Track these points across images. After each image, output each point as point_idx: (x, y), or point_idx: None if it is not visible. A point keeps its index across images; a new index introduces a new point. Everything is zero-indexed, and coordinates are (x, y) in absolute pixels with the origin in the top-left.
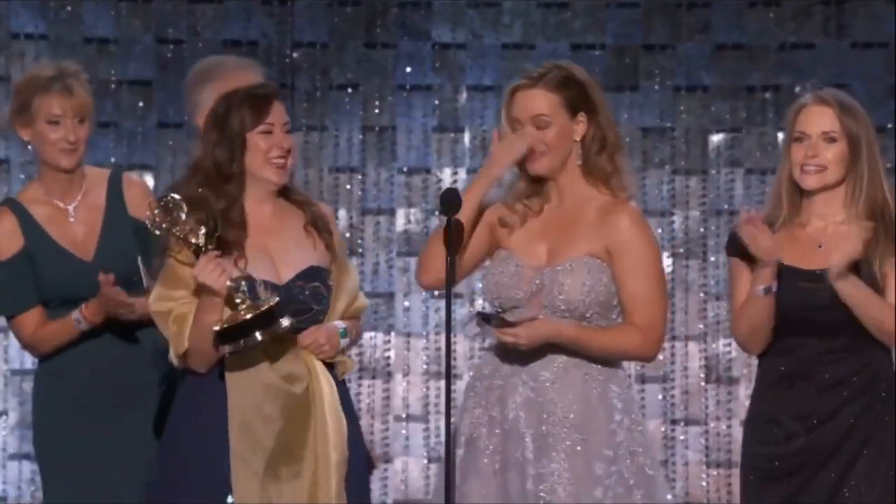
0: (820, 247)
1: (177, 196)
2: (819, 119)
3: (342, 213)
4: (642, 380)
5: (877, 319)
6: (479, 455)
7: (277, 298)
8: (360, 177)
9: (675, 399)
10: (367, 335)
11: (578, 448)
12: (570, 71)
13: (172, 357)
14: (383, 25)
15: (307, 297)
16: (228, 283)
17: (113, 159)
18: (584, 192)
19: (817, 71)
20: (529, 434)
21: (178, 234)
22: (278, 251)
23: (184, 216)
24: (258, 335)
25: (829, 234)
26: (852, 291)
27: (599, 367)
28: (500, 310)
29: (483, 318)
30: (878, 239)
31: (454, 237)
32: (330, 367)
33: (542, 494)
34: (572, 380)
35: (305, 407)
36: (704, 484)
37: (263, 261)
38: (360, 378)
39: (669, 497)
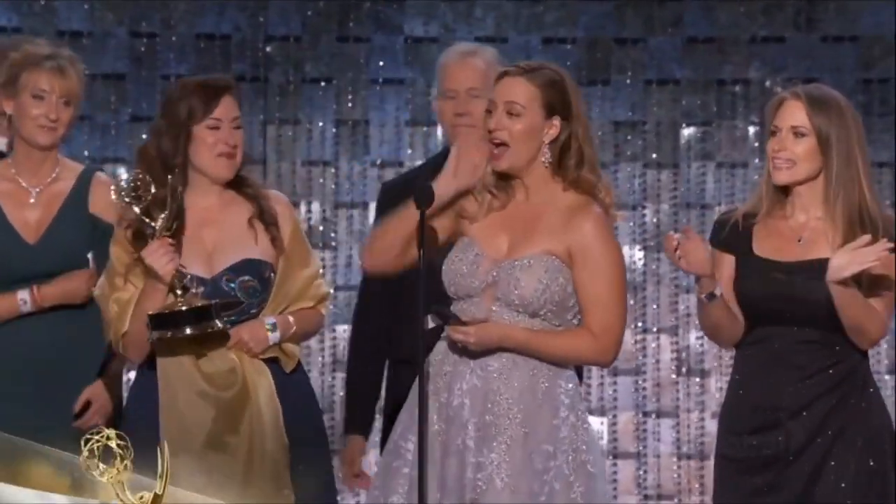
0: (799, 240)
1: (148, 177)
2: (789, 113)
3: (315, 207)
4: (615, 372)
5: (858, 320)
6: (429, 440)
7: (217, 300)
8: (333, 170)
9: (646, 391)
10: (339, 328)
11: (519, 440)
12: (560, 76)
13: (112, 340)
14: (356, 19)
15: (235, 289)
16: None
17: (86, 152)
18: (553, 192)
19: (788, 64)
20: (472, 422)
21: (139, 211)
22: (214, 243)
23: (149, 197)
24: (188, 329)
25: (810, 229)
26: (842, 289)
27: (548, 363)
28: (455, 298)
29: (439, 314)
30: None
31: (419, 232)
32: (275, 360)
33: (479, 484)
34: (520, 372)
35: (238, 408)
36: (676, 476)
37: (198, 252)
38: (334, 371)
39: (610, 496)
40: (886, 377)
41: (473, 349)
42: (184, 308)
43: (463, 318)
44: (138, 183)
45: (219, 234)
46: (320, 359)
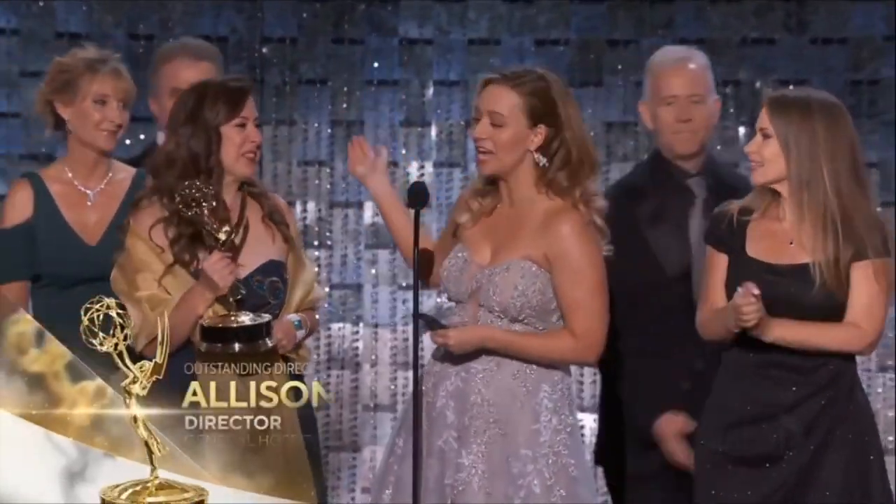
0: (791, 243)
1: (210, 187)
2: (761, 116)
3: (311, 206)
4: None
5: (829, 349)
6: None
7: (269, 317)
8: (328, 170)
9: None
10: (335, 326)
11: (497, 442)
12: (547, 82)
13: (139, 336)
14: (351, 21)
15: (265, 291)
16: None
17: None
18: (533, 197)
19: (778, 66)
20: (454, 424)
21: (206, 222)
22: (240, 244)
23: (213, 206)
24: (237, 346)
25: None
26: (789, 338)
27: (533, 366)
28: (450, 301)
29: (426, 320)
30: (828, 247)
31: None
32: (287, 359)
33: (457, 485)
34: (502, 375)
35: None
36: None
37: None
38: (329, 368)
39: (597, 499)
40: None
41: (454, 351)
42: (236, 325)
43: (446, 325)
44: (197, 192)
45: (242, 235)
46: (316, 356)
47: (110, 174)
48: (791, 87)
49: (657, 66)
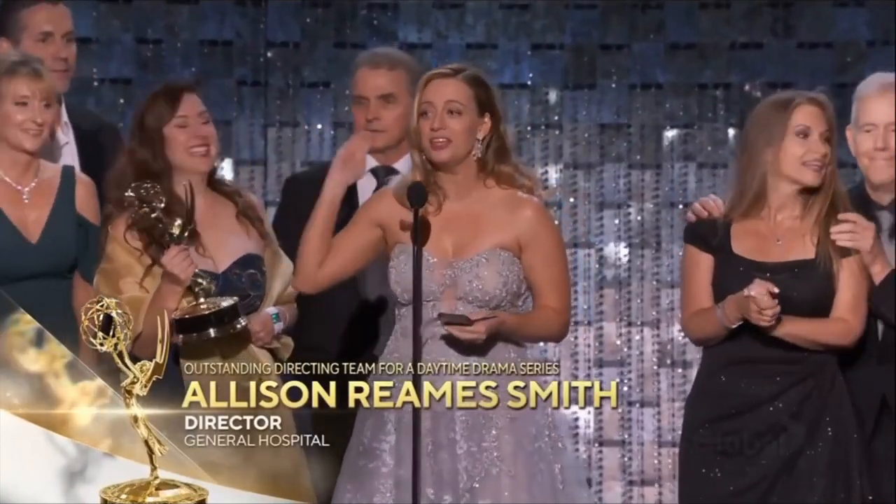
0: (778, 241)
1: (157, 186)
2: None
3: None
4: (600, 364)
5: (823, 343)
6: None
7: (237, 298)
8: None
9: (631, 382)
10: None
11: (507, 427)
12: (483, 75)
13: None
14: (352, 26)
15: (244, 283)
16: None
17: None
18: (482, 188)
19: (766, 69)
20: (462, 418)
21: (156, 219)
22: (213, 241)
23: (161, 205)
24: (212, 331)
25: (786, 229)
26: (795, 332)
27: (512, 351)
28: (406, 303)
29: (446, 319)
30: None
31: (413, 229)
32: (272, 351)
33: (474, 475)
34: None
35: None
36: (657, 462)
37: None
38: None
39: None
40: None
41: (479, 342)
42: (207, 311)
43: (473, 316)
44: (144, 192)
45: (215, 232)
46: None
47: (40, 172)
48: (778, 89)
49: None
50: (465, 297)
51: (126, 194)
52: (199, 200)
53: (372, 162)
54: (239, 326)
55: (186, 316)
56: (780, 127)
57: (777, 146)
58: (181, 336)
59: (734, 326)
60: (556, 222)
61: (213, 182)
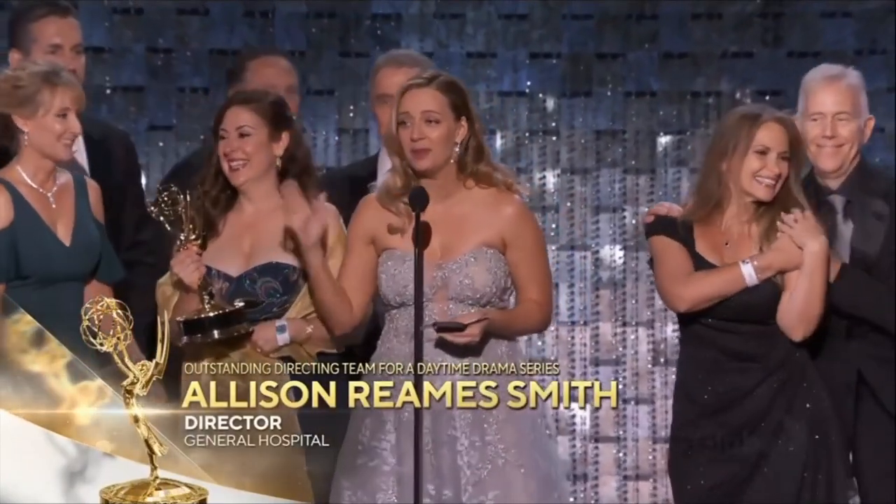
0: (727, 243)
1: (176, 190)
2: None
3: None
4: (596, 362)
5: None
6: (411, 437)
7: (242, 304)
8: None
9: (625, 380)
10: None
11: (507, 420)
12: (456, 80)
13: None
14: (357, 36)
15: (257, 290)
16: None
17: None
18: (463, 189)
19: (756, 77)
20: (463, 415)
21: (174, 222)
22: (251, 246)
23: (180, 208)
24: (216, 333)
25: (735, 234)
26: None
27: (504, 347)
28: (397, 305)
29: (439, 326)
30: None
31: (415, 232)
32: (287, 360)
33: (479, 468)
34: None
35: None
36: (652, 458)
37: (236, 254)
38: None
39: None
40: None
41: (473, 343)
42: (211, 314)
43: (464, 320)
44: (173, 194)
45: (257, 237)
46: None
47: (57, 177)
48: (767, 97)
49: (808, 81)
50: (456, 297)
51: (156, 196)
52: (261, 205)
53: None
54: (245, 329)
55: (194, 317)
56: (743, 141)
57: (736, 159)
58: (186, 338)
59: (754, 283)
60: (537, 218)
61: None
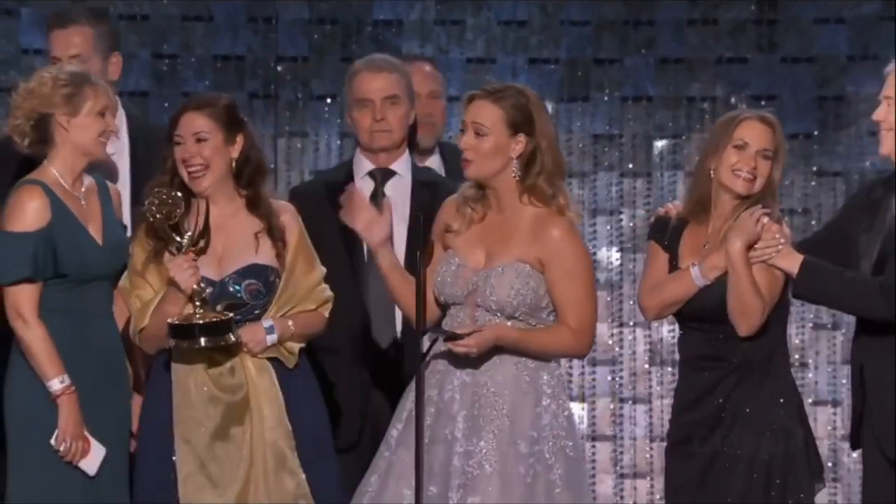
0: (705, 245)
1: (178, 194)
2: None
3: None
4: (594, 362)
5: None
6: (413, 430)
7: (232, 315)
8: None
9: (622, 380)
10: None
11: (505, 429)
12: (525, 96)
13: (131, 332)
14: (358, 42)
15: (241, 291)
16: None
17: None
18: (519, 204)
19: (751, 82)
20: (462, 414)
21: (168, 226)
22: (224, 248)
23: (178, 212)
24: (203, 341)
25: (716, 234)
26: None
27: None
28: (444, 305)
29: (441, 333)
30: None
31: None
32: (277, 359)
33: (468, 470)
34: (505, 367)
35: (242, 404)
36: (649, 457)
37: (209, 257)
38: None
39: (588, 477)
40: None
41: (474, 356)
42: (201, 322)
43: (459, 330)
44: (171, 200)
45: (227, 240)
46: None
47: (83, 179)
48: (762, 102)
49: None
50: (483, 305)
51: (148, 199)
52: (227, 208)
53: (369, 165)
54: (231, 340)
55: (184, 322)
56: (725, 138)
57: (718, 155)
58: (173, 341)
59: (705, 283)
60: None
61: (252, 199)
